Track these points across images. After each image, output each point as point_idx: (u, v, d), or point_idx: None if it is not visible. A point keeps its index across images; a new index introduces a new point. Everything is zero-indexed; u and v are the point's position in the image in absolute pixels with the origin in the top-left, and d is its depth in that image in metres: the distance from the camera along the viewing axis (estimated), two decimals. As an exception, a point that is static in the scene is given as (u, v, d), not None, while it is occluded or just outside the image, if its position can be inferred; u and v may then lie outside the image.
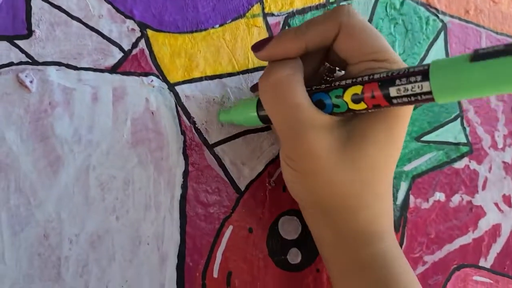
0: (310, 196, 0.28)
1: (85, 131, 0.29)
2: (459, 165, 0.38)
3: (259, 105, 0.29)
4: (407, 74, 0.23)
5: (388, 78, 0.24)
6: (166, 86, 0.31)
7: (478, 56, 0.20)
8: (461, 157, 0.38)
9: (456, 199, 0.37)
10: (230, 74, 0.32)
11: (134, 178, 0.30)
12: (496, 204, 0.38)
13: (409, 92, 0.23)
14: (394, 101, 0.24)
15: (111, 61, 0.30)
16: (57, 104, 0.29)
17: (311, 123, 0.25)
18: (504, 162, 0.39)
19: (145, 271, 0.30)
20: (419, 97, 0.23)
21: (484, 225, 0.38)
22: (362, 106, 0.25)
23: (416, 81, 0.22)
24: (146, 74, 0.31)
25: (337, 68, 0.30)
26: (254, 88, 0.31)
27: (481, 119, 0.38)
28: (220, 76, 0.32)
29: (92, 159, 0.29)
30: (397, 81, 0.23)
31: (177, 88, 0.31)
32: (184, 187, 0.31)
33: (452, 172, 0.37)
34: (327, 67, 0.30)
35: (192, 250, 0.31)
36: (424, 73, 0.22)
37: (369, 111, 0.25)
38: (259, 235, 0.32)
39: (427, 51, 0.38)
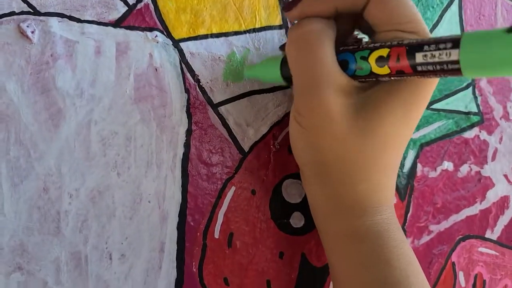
0: (312, 156, 0.27)
1: (87, 85, 0.29)
2: (468, 134, 0.37)
3: (283, 63, 0.28)
4: (437, 41, 0.22)
5: (417, 44, 0.23)
6: (170, 42, 0.30)
7: None
8: (471, 126, 0.37)
9: (464, 169, 0.36)
10: (236, 33, 0.32)
11: (136, 135, 0.29)
12: (506, 176, 0.37)
13: (436, 60, 0.22)
14: (419, 68, 0.23)
15: (115, 15, 0.29)
16: (59, 57, 0.28)
17: (330, 80, 0.25)
18: (515, 134, 0.38)
19: (146, 229, 0.29)
20: (445, 66, 0.22)
21: (492, 196, 0.37)
22: (385, 70, 0.24)
23: (445, 48, 0.21)
24: (151, 29, 0.30)
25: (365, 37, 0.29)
26: (283, 46, 0.31)
27: (493, 88, 0.37)
28: (226, 34, 0.31)
29: (94, 113, 0.29)
30: (425, 47, 0.22)
31: (182, 44, 0.30)
32: (187, 146, 0.30)
33: (462, 141, 0.37)
34: (355, 36, 0.29)
35: (193, 209, 0.30)
36: (455, 41, 0.21)
37: (392, 78, 0.25)
38: (262, 197, 0.32)
39: (440, 16, 0.36)
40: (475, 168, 0.37)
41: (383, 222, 0.28)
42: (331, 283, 0.33)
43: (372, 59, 0.25)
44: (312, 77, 0.25)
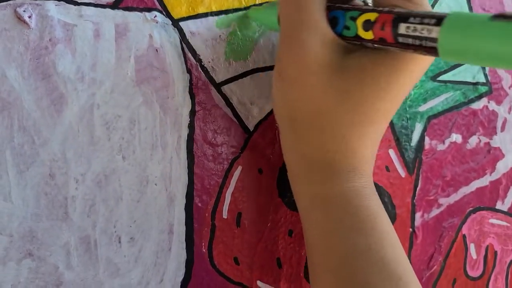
0: (289, 110, 0.27)
1: (88, 69, 0.28)
2: (477, 105, 0.36)
3: None
4: (424, 15, 0.21)
5: (405, 15, 0.22)
6: (170, 22, 0.30)
7: (503, 16, 0.18)
8: (479, 97, 0.36)
9: (473, 140, 0.36)
10: (236, 10, 0.31)
11: (139, 117, 0.29)
12: (515, 146, 0.37)
13: (417, 33, 0.21)
14: (400, 39, 0.22)
15: (112, -4, 0.29)
16: (58, 41, 0.28)
17: (316, 29, 0.24)
18: (524, 103, 0.37)
19: (153, 211, 0.29)
20: (423, 42, 0.21)
21: (502, 167, 0.36)
22: (369, 35, 0.24)
23: (428, 24, 0.21)
24: (149, 10, 0.29)
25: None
26: None
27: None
28: (226, 12, 0.31)
29: (96, 97, 0.28)
30: (411, 19, 0.22)
31: (182, 24, 0.30)
32: (191, 127, 0.30)
33: (470, 112, 0.36)
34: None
35: (200, 190, 0.30)
36: (439, 18, 0.21)
37: (375, 45, 0.24)
38: (269, 176, 0.31)
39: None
40: (484, 139, 0.36)
41: (355, 190, 0.26)
42: (341, 259, 0.33)
43: (360, 21, 0.24)
44: (298, 22, 0.25)
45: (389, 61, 0.25)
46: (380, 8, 0.24)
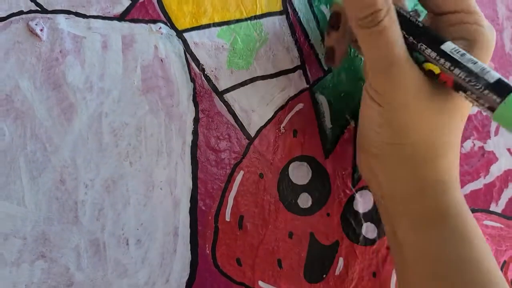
0: (393, 136, 0.28)
1: (96, 79, 0.30)
2: (471, 110, 0.37)
3: None
4: (480, 90, 0.24)
5: (462, 83, 0.25)
6: (174, 33, 0.31)
7: None
8: (473, 102, 0.37)
9: (467, 144, 0.37)
10: (238, 21, 0.32)
11: (145, 125, 0.30)
12: (509, 150, 0.38)
13: (475, 102, 0.25)
14: (462, 94, 0.26)
15: (119, 9, 0.30)
16: (68, 52, 0.29)
17: (404, 58, 0.26)
18: (518, 108, 0.38)
19: (159, 215, 0.30)
20: (480, 107, 0.25)
21: (496, 170, 0.37)
22: (436, 70, 0.26)
23: (487, 96, 0.24)
24: (154, 21, 0.31)
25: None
26: (333, 25, 0.31)
27: (494, 63, 0.38)
28: (228, 23, 0.32)
29: (104, 106, 0.30)
30: (468, 92, 0.25)
31: (186, 35, 0.31)
32: (195, 133, 0.31)
33: (464, 118, 0.37)
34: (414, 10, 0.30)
35: (204, 194, 0.31)
36: (499, 93, 0.24)
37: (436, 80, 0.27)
38: (269, 180, 0.33)
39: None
40: (478, 144, 0.37)
41: (460, 198, 0.29)
42: (340, 259, 0.34)
43: (426, 67, 0.27)
44: (387, 57, 0.26)
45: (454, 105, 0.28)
46: (442, 60, 0.26)
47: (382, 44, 0.26)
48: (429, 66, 0.26)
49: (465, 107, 0.28)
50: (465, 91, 0.25)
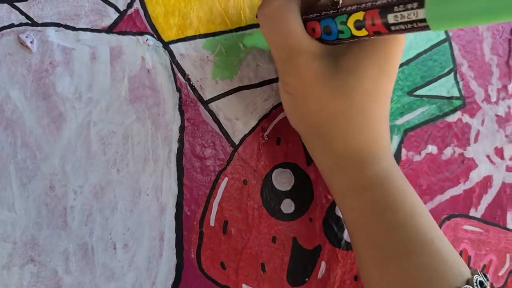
0: (305, 121, 0.30)
1: (85, 89, 0.31)
2: (451, 118, 0.38)
3: None
4: (405, 1, 0.23)
5: (387, 5, 0.24)
6: (161, 45, 0.32)
7: None
8: (453, 110, 0.38)
9: (448, 151, 0.38)
10: (223, 32, 0.33)
11: (133, 133, 0.31)
12: (488, 157, 0.39)
13: (406, 19, 0.23)
14: (393, 28, 0.24)
15: (107, 22, 0.31)
16: (58, 64, 0.30)
17: (301, 48, 0.27)
18: (497, 115, 0.39)
19: (146, 220, 0.32)
20: (415, 25, 0.23)
21: (476, 176, 0.38)
22: (364, 32, 0.26)
23: (412, 8, 0.23)
24: (141, 34, 0.32)
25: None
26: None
27: (474, 73, 0.39)
28: (213, 34, 0.33)
29: (93, 115, 0.31)
30: (395, 8, 0.24)
31: (172, 46, 0.32)
32: (181, 141, 0.32)
33: (445, 125, 0.38)
34: None
35: (189, 200, 0.32)
36: (420, 0, 0.23)
37: (372, 37, 0.26)
38: (253, 186, 0.34)
39: None
40: (458, 150, 0.38)
41: (381, 171, 0.30)
42: (322, 263, 0.35)
43: (350, 23, 0.26)
44: (286, 49, 0.28)
45: (375, 46, 0.28)
46: (363, 5, 0.26)
47: (279, 34, 0.28)
48: (354, 17, 0.26)
49: (374, 92, 0.29)
50: (391, 11, 0.24)
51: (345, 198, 0.31)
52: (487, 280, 0.28)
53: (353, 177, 0.30)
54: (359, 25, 0.26)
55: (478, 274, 0.27)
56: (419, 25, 0.23)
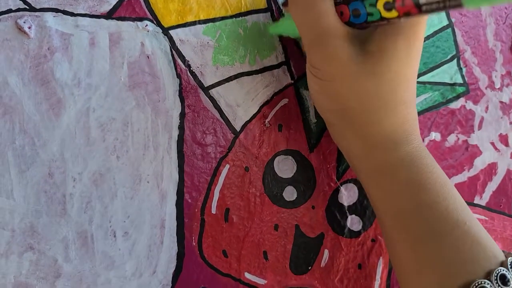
0: (336, 105, 0.29)
1: (84, 75, 0.30)
2: (455, 105, 0.38)
3: None
4: None
5: None
6: (160, 31, 0.32)
7: None
8: (457, 97, 0.38)
9: (451, 138, 0.38)
10: (223, 18, 0.33)
11: (132, 120, 0.31)
12: (492, 143, 0.38)
13: (441, 5, 0.23)
14: (424, 8, 0.24)
15: (106, 7, 0.31)
16: (56, 49, 0.30)
17: (333, 31, 0.27)
18: (501, 102, 0.39)
19: (146, 207, 0.31)
20: (447, 3, 0.23)
21: (480, 164, 0.38)
22: (393, 14, 0.26)
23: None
24: (141, 19, 0.31)
25: None
26: (285, 3, 0.32)
27: (478, 59, 0.38)
28: (213, 20, 0.33)
29: (92, 101, 0.30)
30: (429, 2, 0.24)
31: (172, 32, 0.32)
32: (181, 128, 0.32)
33: (448, 112, 0.38)
34: None
35: (190, 188, 0.32)
36: None
37: (401, 19, 0.26)
38: (255, 173, 0.33)
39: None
40: (462, 137, 0.38)
41: (414, 151, 0.29)
42: (325, 251, 0.35)
43: (380, 5, 0.26)
44: (317, 31, 0.28)
45: (401, 28, 0.28)
46: None
47: (310, 17, 0.28)
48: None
49: (402, 73, 0.29)
50: (424, 4, 0.24)
51: (377, 178, 0.30)
52: None
53: (386, 157, 0.30)
54: (389, 7, 0.26)
55: None
56: (452, 3, 0.23)
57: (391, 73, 0.28)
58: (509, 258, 0.27)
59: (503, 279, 0.25)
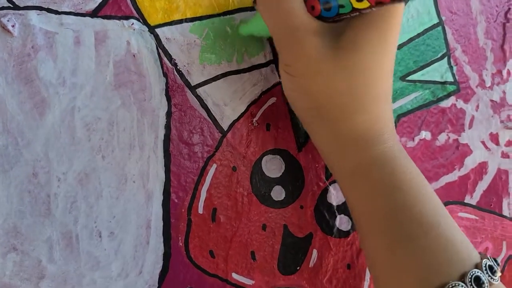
0: (308, 102, 0.29)
1: (69, 74, 0.30)
2: (445, 104, 0.38)
3: None
4: None
5: None
6: (146, 29, 0.31)
7: None
8: (447, 96, 0.38)
9: (442, 137, 0.37)
10: (210, 16, 0.33)
11: (118, 119, 0.31)
12: (483, 142, 0.38)
13: None
14: None
15: (91, 5, 0.31)
16: (40, 48, 0.29)
17: (303, 27, 0.27)
18: (492, 101, 0.39)
19: (132, 208, 0.31)
20: None
21: (470, 163, 0.38)
22: (365, 4, 0.25)
23: None
24: (127, 18, 0.31)
25: None
26: (255, 1, 0.32)
27: (468, 57, 0.38)
28: (200, 18, 0.32)
29: (77, 101, 0.30)
30: None
31: (158, 30, 0.32)
32: (168, 127, 0.32)
33: (438, 111, 0.37)
34: None
35: (177, 187, 0.32)
36: None
37: (373, 9, 0.25)
38: (242, 173, 0.33)
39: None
40: (453, 136, 0.38)
41: (387, 150, 0.29)
42: (314, 251, 0.34)
43: None
44: (287, 28, 0.27)
45: (374, 20, 0.27)
46: None
47: (279, 13, 0.27)
48: None
49: (376, 67, 0.28)
50: None
51: (351, 179, 0.30)
52: (497, 264, 0.27)
53: (359, 157, 0.29)
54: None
55: (488, 259, 0.26)
56: None
57: (364, 68, 0.27)
58: (483, 260, 0.26)
59: (478, 281, 0.25)
